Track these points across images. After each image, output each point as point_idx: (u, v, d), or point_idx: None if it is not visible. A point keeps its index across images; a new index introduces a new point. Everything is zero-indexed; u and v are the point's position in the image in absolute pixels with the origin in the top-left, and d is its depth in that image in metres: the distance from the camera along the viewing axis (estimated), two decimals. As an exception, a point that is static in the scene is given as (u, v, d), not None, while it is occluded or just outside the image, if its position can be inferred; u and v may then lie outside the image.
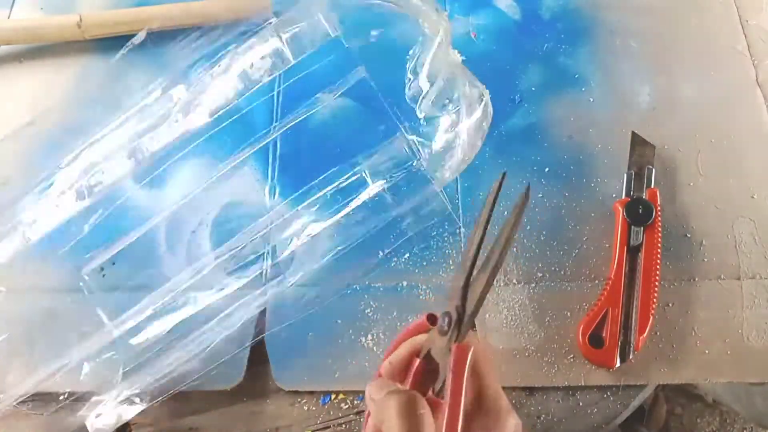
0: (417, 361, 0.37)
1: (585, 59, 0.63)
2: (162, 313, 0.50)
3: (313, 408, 0.50)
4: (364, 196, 0.50)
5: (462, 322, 0.35)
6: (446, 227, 0.54)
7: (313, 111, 0.56)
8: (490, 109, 0.50)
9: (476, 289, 0.35)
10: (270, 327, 0.51)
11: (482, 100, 0.49)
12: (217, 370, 0.48)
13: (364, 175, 0.50)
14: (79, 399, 0.48)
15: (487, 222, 0.36)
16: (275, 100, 0.60)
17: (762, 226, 0.54)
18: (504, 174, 0.37)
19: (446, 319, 0.36)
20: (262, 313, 0.51)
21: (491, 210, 0.37)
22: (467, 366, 0.34)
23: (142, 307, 0.50)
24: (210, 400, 0.50)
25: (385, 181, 0.49)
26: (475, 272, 0.36)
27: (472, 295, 0.35)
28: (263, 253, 0.53)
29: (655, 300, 0.50)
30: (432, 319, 0.38)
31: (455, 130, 0.48)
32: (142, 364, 0.48)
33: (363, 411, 0.49)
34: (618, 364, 0.48)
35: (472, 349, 0.34)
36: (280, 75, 0.57)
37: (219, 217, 0.55)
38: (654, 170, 0.55)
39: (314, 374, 0.50)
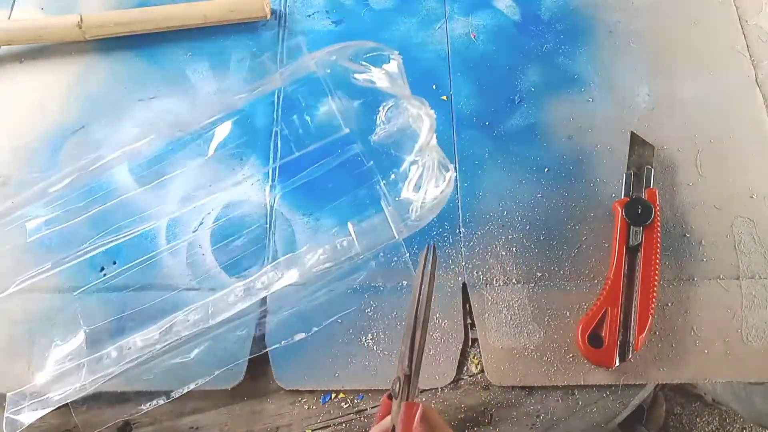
0: None
1: (584, 60, 0.63)
2: (159, 314, 0.50)
3: (314, 407, 0.50)
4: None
5: (410, 382, 0.39)
6: (446, 227, 0.55)
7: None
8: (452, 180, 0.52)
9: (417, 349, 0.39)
10: (270, 326, 0.51)
11: (449, 177, 0.52)
12: (217, 369, 0.49)
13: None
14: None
15: (420, 287, 0.41)
16: (276, 100, 0.60)
17: (761, 225, 0.55)
18: (428, 247, 0.42)
19: (397, 384, 0.39)
20: (263, 312, 0.51)
21: (422, 281, 0.41)
22: (416, 420, 0.37)
23: (136, 309, 0.51)
24: (210, 399, 0.50)
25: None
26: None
27: (416, 357, 0.39)
28: (263, 252, 0.53)
29: (654, 300, 0.50)
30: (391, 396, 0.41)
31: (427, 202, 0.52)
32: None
33: (363, 410, 0.50)
34: (617, 364, 0.48)
35: (420, 406, 0.38)
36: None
37: (219, 217, 0.55)
38: (653, 170, 0.55)
39: (314, 373, 0.50)
